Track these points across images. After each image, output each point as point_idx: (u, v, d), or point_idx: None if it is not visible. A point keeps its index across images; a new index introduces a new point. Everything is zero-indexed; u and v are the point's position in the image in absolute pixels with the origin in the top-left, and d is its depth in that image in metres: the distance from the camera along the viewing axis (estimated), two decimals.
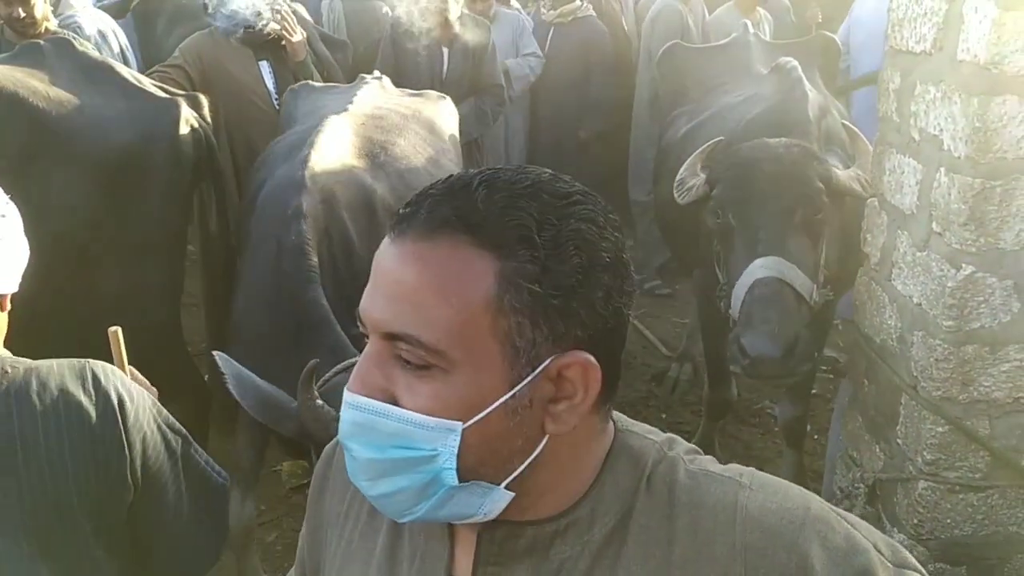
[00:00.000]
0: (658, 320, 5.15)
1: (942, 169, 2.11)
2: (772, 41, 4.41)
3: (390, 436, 0.82)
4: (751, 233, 2.61)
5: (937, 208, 2.13)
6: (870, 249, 2.50)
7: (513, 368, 0.82)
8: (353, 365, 0.95)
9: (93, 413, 1.37)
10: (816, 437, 3.91)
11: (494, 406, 0.82)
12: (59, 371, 1.40)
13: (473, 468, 0.83)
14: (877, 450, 2.48)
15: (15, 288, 1.49)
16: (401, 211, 0.85)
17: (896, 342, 2.35)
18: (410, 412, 0.82)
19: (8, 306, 1.49)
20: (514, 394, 0.82)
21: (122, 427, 1.39)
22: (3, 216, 1.50)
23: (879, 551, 0.88)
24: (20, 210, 1.83)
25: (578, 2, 5.44)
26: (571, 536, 0.89)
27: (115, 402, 1.39)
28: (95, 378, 1.41)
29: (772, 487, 0.90)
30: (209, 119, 3.19)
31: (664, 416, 4.28)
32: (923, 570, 0.91)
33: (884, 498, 2.44)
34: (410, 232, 0.82)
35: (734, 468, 0.93)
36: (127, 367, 1.79)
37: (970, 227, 2.04)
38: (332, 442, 1.09)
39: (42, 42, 3.04)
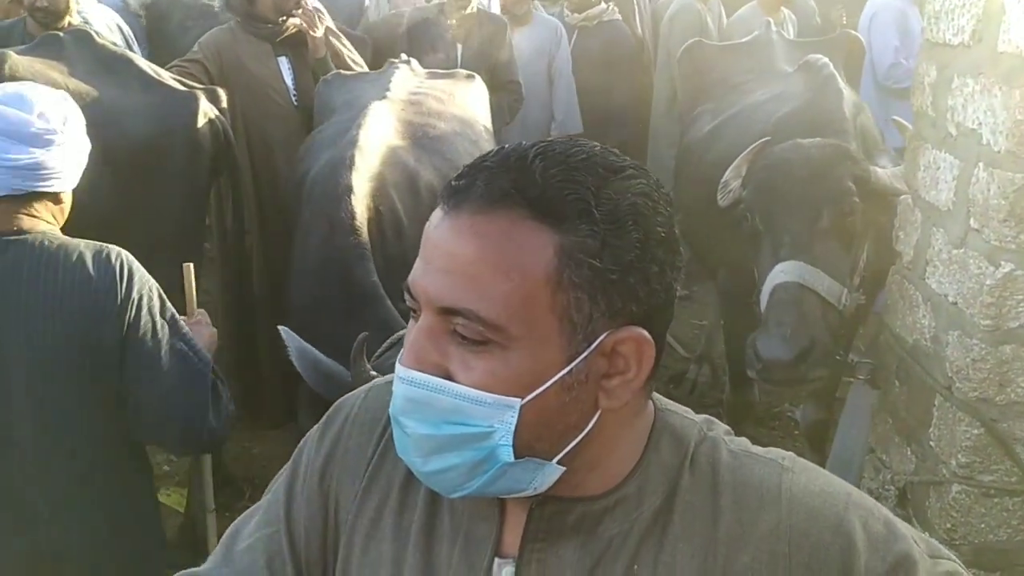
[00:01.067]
0: (676, 321, 5.02)
1: (981, 164, 2.06)
2: (795, 39, 4.36)
3: (446, 412, 0.82)
4: (776, 237, 2.57)
5: (975, 204, 2.08)
6: (903, 247, 2.45)
7: (570, 343, 0.82)
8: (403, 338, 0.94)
9: (98, 270, 1.79)
10: None
11: (551, 382, 0.81)
12: (86, 245, 1.84)
13: (528, 444, 0.83)
14: (908, 452, 2.43)
15: (75, 184, 1.91)
16: (454, 183, 0.83)
17: (930, 342, 2.29)
18: (468, 388, 0.81)
19: (70, 200, 1.93)
20: (571, 370, 0.82)
21: (121, 286, 1.80)
22: (66, 120, 1.83)
23: (915, 542, 0.90)
24: None
25: (603, 5, 5.32)
26: (619, 513, 0.89)
27: (118, 268, 1.81)
28: (109, 252, 1.83)
29: (814, 471, 0.92)
30: (228, 113, 3.16)
31: None
32: (956, 559, 0.93)
33: (916, 502, 2.39)
34: (466, 205, 0.81)
35: (775, 451, 0.94)
36: (195, 305, 2.31)
37: (1010, 223, 1.99)
38: (335, 421, 1.05)
39: (62, 34, 3.03)
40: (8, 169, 1.74)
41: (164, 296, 1.91)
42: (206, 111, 2.98)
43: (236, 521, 1.09)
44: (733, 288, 3.49)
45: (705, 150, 3.67)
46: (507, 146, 0.85)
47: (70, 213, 1.99)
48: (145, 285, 1.86)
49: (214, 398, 1.94)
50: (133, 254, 2.92)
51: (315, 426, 1.08)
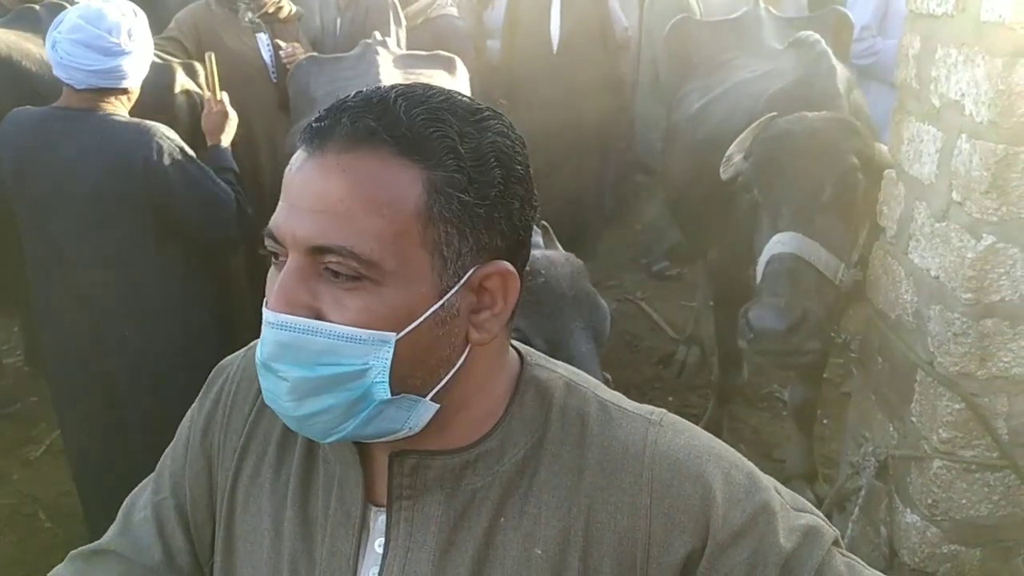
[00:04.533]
0: (665, 302, 5.08)
1: (963, 136, 2.03)
2: (783, 16, 4.32)
3: (319, 353, 0.81)
4: (775, 209, 2.55)
5: (957, 176, 2.05)
6: (886, 222, 2.43)
7: (441, 278, 0.83)
8: None
9: (141, 132, 2.45)
10: (826, 422, 3.85)
11: (425, 316, 0.83)
12: (134, 120, 2.49)
13: (403, 380, 0.83)
14: (891, 429, 2.41)
15: (140, 80, 2.52)
16: (315, 124, 0.83)
17: (912, 317, 2.28)
18: (342, 326, 0.81)
19: (137, 91, 2.54)
20: (443, 303, 0.84)
21: (154, 142, 2.44)
22: (131, 33, 2.40)
23: (779, 494, 0.93)
24: None
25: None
26: (482, 467, 0.91)
27: (153, 130, 2.47)
28: (147, 123, 2.48)
29: (681, 425, 0.95)
30: (206, 87, 3.12)
31: (671, 399, 4.22)
32: (820, 513, 0.95)
33: (897, 477, 2.38)
34: (331, 144, 0.81)
35: (646, 407, 0.97)
36: (218, 90, 2.78)
37: (991, 195, 1.97)
38: (217, 380, 1.07)
39: (38, 7, 3.00)
40: (86, 72, 2.38)
41: (185, 147, 2.53)
42: (182, 83, 2.95)
43: (133, 492, 1.10)
44: (723, 268, 3.47)
45: (694, 129, 3.64)
46: (365, 89, 0.86)
47: None
48: (172, 143, 2.49)
49: (238, 205, 2.60)
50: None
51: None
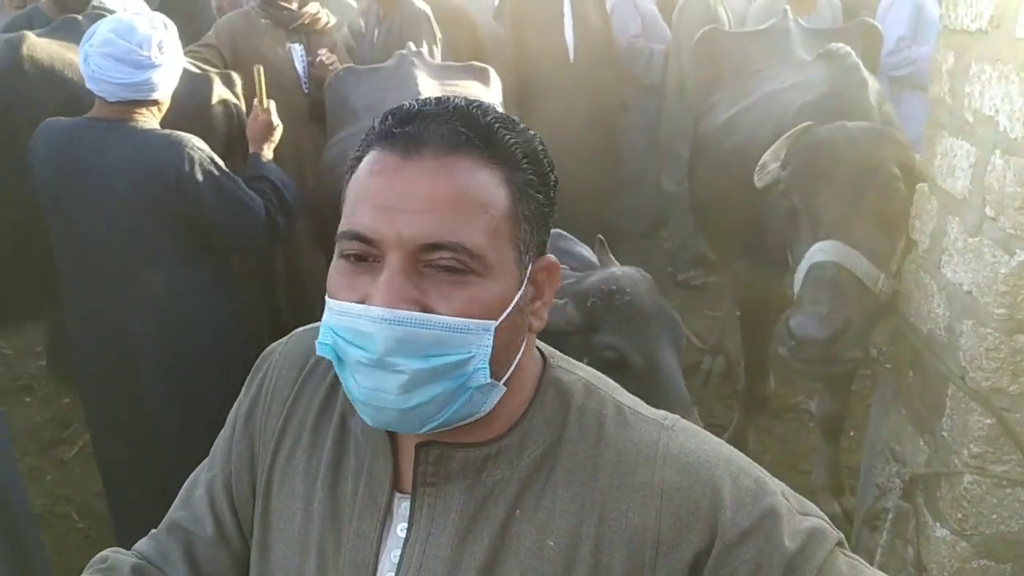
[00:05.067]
0: (691, 312, 5.08)
1: (997, 151, 2.03)
2: (812, 27, 4.32)
3: (429, 345, 0.86)
4: (815, 216, 2.55)
5: (991, 192, 2.05)
6: (919, 236, 2.42)
7: (519, 270, 0.92)
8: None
9: (172, 143, 2.48)
10: (852, 434, 3.84)
11: (513, 304, 0.91)
12: (165, 131, 2.54)
13: (496, 366, 0.90)
14: (921, 443, 2.41)
15: (170, 92, 2.56)
16: (399, 130, 0.89)
17: (944, 331, 2.27)
18: (451, 317, 0.87)
19: (167, 102, 2.57)
20: (521, 293, 0.92)
21: (185, 152, 2.47)
22: (161, 46, 2.44)
23: (786, 498, 0.96)
24: None
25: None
26: (502, 460, 0.96)
27: (184, 142, 2.49)
28: (179, 135, 2.51)
29: (692, 431, 0.99)
30: (242, 97, 3.17)
31: (696, 409, 4.20)
32: (826, 517, 0.98)
33: (927, 492, 2.37)
34: (427, 150, 0.88)
35: (660, 412, 1.01)
36: (265, 100, 2.85)
37: None
38: (262, 366, 1.13)
39: (80, 16, 3.05)
40: (117, 85, 2.42)
41: (216, 157, 2.57)
42: (220, 94, 2.99)
43: (197, 468, 1.18)
44: (751, 278, 3.47)
45: (722, 140, 3.64)
46: (430, 97, 0.94)
47: None
48: (203, 153, 2.53)
49: (268, 214, 2.65)
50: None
51: None
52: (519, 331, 0.94)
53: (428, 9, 4.56)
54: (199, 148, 2.53)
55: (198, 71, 3.05)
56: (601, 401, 1.00)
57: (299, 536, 1.02)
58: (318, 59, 3.74)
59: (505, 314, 0.90)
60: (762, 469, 0.99)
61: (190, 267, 2.63)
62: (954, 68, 2.23)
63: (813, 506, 0.99)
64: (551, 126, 4.35)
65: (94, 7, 3.44)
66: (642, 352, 2.19)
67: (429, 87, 3.33)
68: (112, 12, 3.37)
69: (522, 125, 0.95)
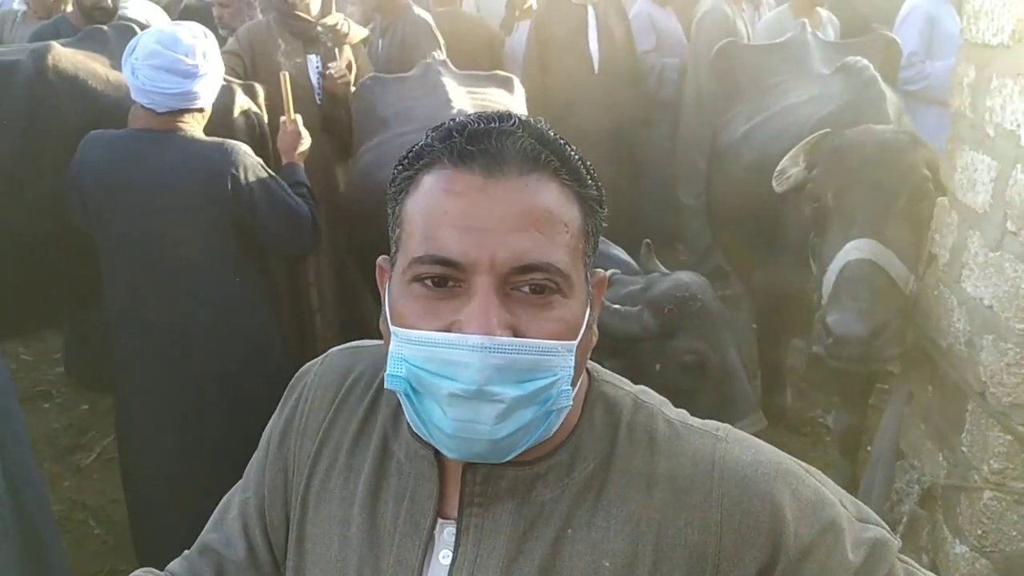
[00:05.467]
0: None
1: (1019, 165, 2.02)
2: (831, 40, 4.32)
3: (525, 371, 0.83)
4: (848, 216, 2.54)
5: (1012, 206, 2.04)
6: (939, 250, 2.41)
7: (587, 287, 0.91)
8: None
9: (221, 151, 2.55)
10: (869, 448, 3.81)
11: (586, 321, 0.90)
12: (212, 139, 2.62)
13: (573, 384, 0.88)
14: (940, 458, 2.39)
15: (212, 100, 2.62)
16: (472, 148, 0.85)
17: (964, 346, 2.26)
18: (544, 340, 0.84)
19: (209, 111, 2.63)
20: (590, 310, 0.91)
21: (233, 158, 2.53)
22: (205, 55, 2.50)
23: (844, 506, 0.94)
24: None
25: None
26: (552, 479, 0.93)
27: (231, 150, 2.55)
28: (227, 142, 2.59)
29: (747, 441, 0.96)
30: (264, 108, 3.20)
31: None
32: (884, 524, 0.96)
33: (946, 508, 2.35)
34: (508, 168, 0.85)
35: (711, 423, 0.98)
36: (292, 111, 2.94)
37: None
38: (296, 387, 1.10)
39: (106, 27, 3.09)
40: (167, 95, 2.48)
41: (264, 164, 2.65)
42: (242, 105, 3.02)
43: (232, 490, 1.15)
44: (769, 289, 3.46)
45: (740, 153, 3.64)
46: (490, 112, 0.90)
47: None
48: (254, 160, 2.60)
49: (312, 219, 2.72)
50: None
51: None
52: (588, 348, 0.92)
53: (430, 17, 4.62)
54: (250, 155, 2.60)
55: (222, 82, 3.08)
56: (651, 415, 0.97)
57: (336, 563, 0.98)
58: (328, 71, 3.75)
59: (582, 332, 0.88)
60: (817, 474, 0.97)
61: (239, 275, 2.68)
62: (975, 82, 2.23)
63: (871, 511, 0.98)
64: (576, 137, 4.39)
65: (120, 18, 3.49)
66: (717, 354, 2.25)
67: (458, 95, 3.36)
68: (136, 22, 3.42)
69: (566, 140, 0.93)
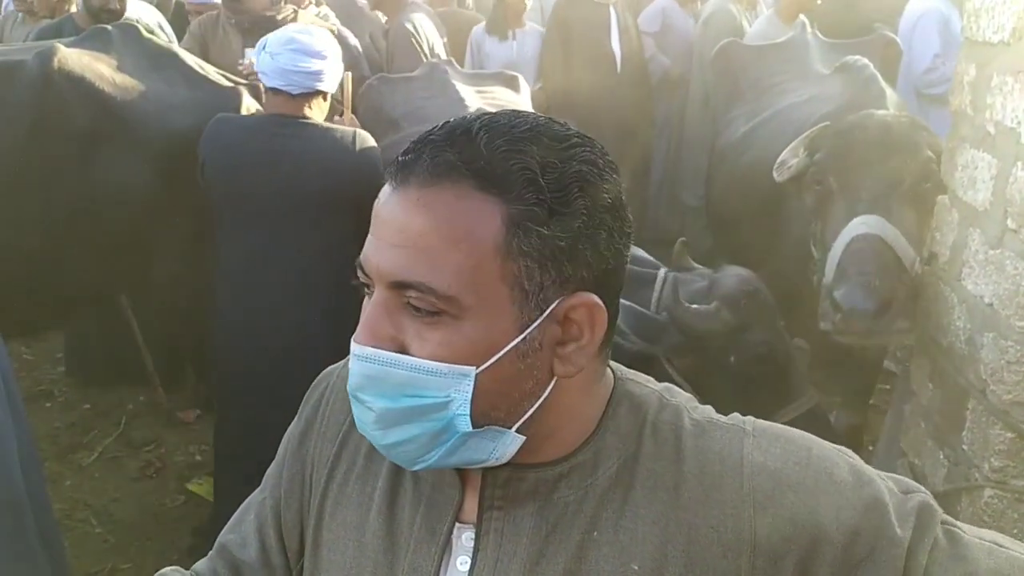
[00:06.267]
0: None
1: (1019, 163, 2.03)
2: (830, 40, 4.34)
3: (401, 385, 0.83)
4: (853, 194, 2.54)
5: (1013, 204, 2.05)
6: (939, 248, 2.42)
7: (523, 311, 0.83)
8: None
9: (344, 141, 2.74)
10: (871, 448, 3.82)
11: (506, 350, 0.83)
12: (339, 128, 2.82)
13: (486, 413, 0.84)
14: (941, 456, 2.40)
15: (334, 88, 2.86)
16: (401, 158, 0.84)
17: (964, 344, 2.27)
18: (422, 360, 0.82)
19: (328, 102, 2.86)
20: (524, 337, 0.83)
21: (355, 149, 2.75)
22: (330, 44, 2.79)
23: (882, 479, 0.91)
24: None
25: (312, 8, 4.85)
26: (575, 479, 0.91)
27: (355, 140, 2.77)
28: (355, 131, 2.80)
29: (774, 432, 0.94)
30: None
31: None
32: (925, 490, 0.93)
33: (947, 507, 2.36)
34: (413, 179, 0.82)
35: (736, 416, 0.96)
36: (349, 112, 3.16)
37: None
38: (318, 388, 1.10)
39: (110, 27, 3.09)
40: (303, 73, 2.71)
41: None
42: (248, 105, 3.03)
43: (254, 492, 1.15)
44: (769, 287, 3.47)
45: (740, 154, 3.66)
46: (453, 120, 0.86)
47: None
48: (376, 151, 2.81)
49: None
50: (176, 242, 3.02)
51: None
52: (524, 377, 0.85)
53: (434, 17, 4.66)
54: (375, 147, 2.84)
55: (227, 84, 3.09)
56: (676, 413, 0.94)
57: (350, 569, 0.97)
58: (240, 65, 3.74)
59: (492, 360, 0.82)
60: (850, 452, 0.94)
61: (347, 258, 2.73)
62: (976, 80, 2.24)
63: (909, 480, 0.95)
64: (598, 136, 4.40)
65: (126, 19, 3.50)
66: (780, 341, 2.38)
67: (467, 94, 3.41)
68: (140, 23, 3.43)
69: (567, 144, 0.85)
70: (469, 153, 0.81)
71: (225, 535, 1.12)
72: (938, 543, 0.88)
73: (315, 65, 2.74)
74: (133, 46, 3.03)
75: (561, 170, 0.82)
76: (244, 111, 2.99)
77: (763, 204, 3.14)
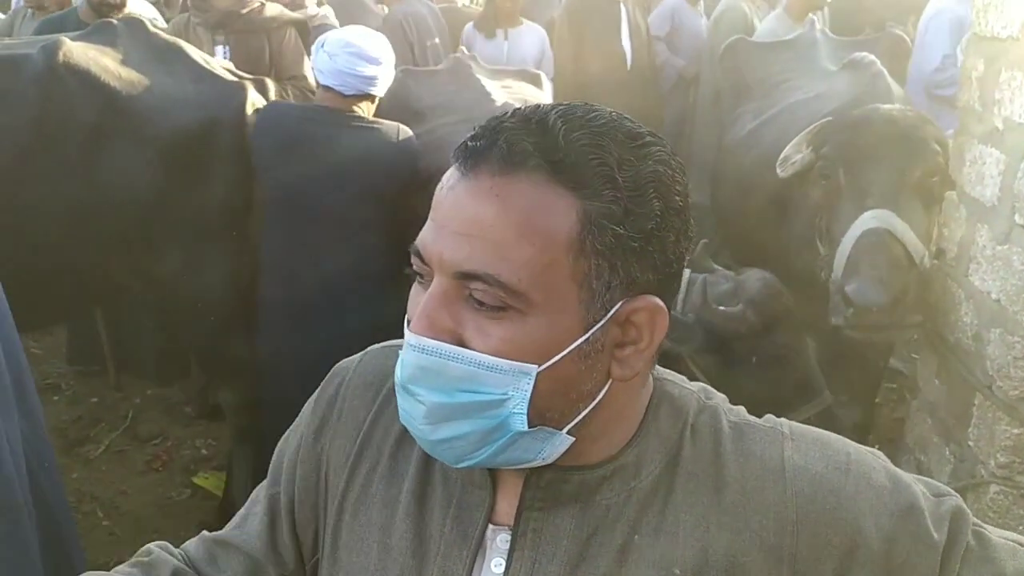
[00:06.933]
0: None
1: None
2: (839, 38, 4.32)
3: (458, 380, 0.80)
4: (862, 189, 2.55)
5: (1021, 200, 2.05)
6: (947, 244, 2.42)
7: (588, 311, 0.80)
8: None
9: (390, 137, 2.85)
10: (876, 447, 3.80)
11: (569, 349, 0.80)
12: (384, 123, 2.91)
13: (541, 413, 0.81)
14: (947, 453, 2.39)
15: (384, 91, 2.96)
16: (471, 143, 0.80)
17: (971, 340, 2.26)
18: (484, 355, 0.79)
19: (376, 103, 2.96)
20: (588, 338, 0.80)
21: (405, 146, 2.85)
22: (384, 49, 2.88)
23: (917, 484, 0.91)
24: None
25: (316, 9, 4.77)
26: (617, 482, 0.89)
27: (403, 129, 2.88)
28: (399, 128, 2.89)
29: (812, 436, 0.93)
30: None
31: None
32: (956, 494, 0.93)
33: None
34: (485, 166, 0.79)
35: (771, 419, 0.95)
36: None
37: None
38: (332, 383, 1.06)
39: (116, 22, 3.09)
40: (358, 77, 2.81)
41: None
42: (254, 101, 3.03)
43: (260, 486, 1.11)
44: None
45: (746, 151, 3.64)
46: (523, 107, 0.83)
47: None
48: (415, 144, 2.88)
49: None
50: (178, 239, 3.02)
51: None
52: (583, 378, 0.82)
53: (435, 9, 4.68)
54: (415, 141, 2.93)
55: (232, 78, 3.09)
56: (715, 415, 0.93)
57: (374, 571, 0.94)
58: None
59: (555, 359, 0.80)
60: (882, 456, 0.94)
61: (387, 256, 2.86)
62: (984, 75, 2.23)
63: (940, 484, 0.95)
64: None
65: (128, 13, 3.51)
66: (800, 343, 2.44)
67: (492, 88, 3.45)
68: (145, 17, 3.44)
69: (642, 143, 0.82)
70: (547, 143, 0.78)
71: (231, 530, 1.08)
72: (969, 546, 0.88)
73: (370, 70, 2.84)
74: (139, 40, 3.01)
75: (637, 168, 0.80)
76: (249, 106, 2.98)
77: (769, 200, 3.13)
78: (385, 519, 0.95)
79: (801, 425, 0.95)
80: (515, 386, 0.79)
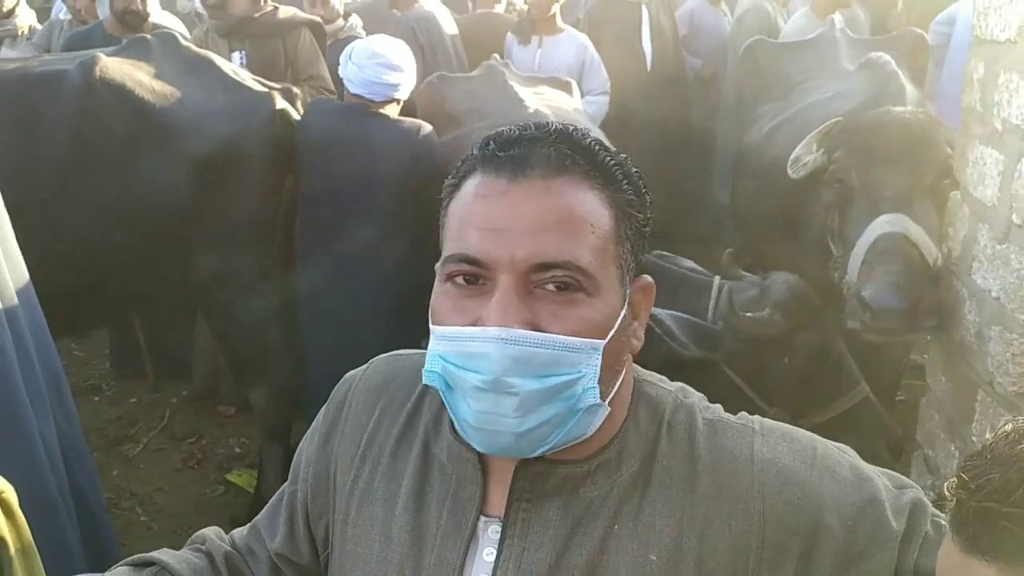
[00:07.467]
0: None
1: None
2: (860, 37, 4.33)
3: (545, 364, 0.87)
4: (876, 192, 2.58)
5: (1018, 199, 2.08)
6: (951, 243, 2.45)
7: (622, 289, 0.93)
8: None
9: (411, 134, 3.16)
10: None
11: (618, 322, 0.92)
12: (407, 119, 3.27)
13: (602, 386, 0.90)
14: (952, 448, 2.43)
15: (407, 96, 3.32)
16: (503, 154, 0.91)
17: (974, 337, 2.29)
18: (564, 336, 0.87)
19: (400, 106, 3.31)
20: (625, 313, 0.93)
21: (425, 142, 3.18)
22: (407, 57, 3.22)
23: (879, 477, 0.99)
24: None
25: (341, 21, 4.83)
26: (600, 477, 0.96)
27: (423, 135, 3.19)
28: (420, 125, 3.21)
29: (782, 431, 1.01)
30: (302, 111, 3.32)
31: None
32: (917, 486, 1.01)
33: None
34: (533, 172, 0.89)
35: (744, 416, 1.03)
36: None
37: None
38: (340, 391, 1.14)
39: (149, 36, 3.21)
40: (385, 85, 3.14)
41: None
42: (281, 108, 3.13)
43: (287, 482, 1.21)
44: None
45: (764, 151, 3.67)
46: (533, 122, 0.95)
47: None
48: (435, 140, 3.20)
49: None
50: (211, 246, 3.13)
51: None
52: (622, 351, 0.94)
53: (446, 12, 4.86)
54: (435, 138, 3.24)
55: (261, 89, 3.19)
56: (690, 413, 1.00)
57: (377, 563, 1.01)
58: None
59: (612, 333, 0.90)
60: (849, 451, 1.01)
61: (407, 249, 3.07)
62: (984, 77, 2.26)
63: (902, 476, 1.02)
64: (627, 134, 4.47)
65: (155, 27, 3.63)
66: (831, 340, 2.52)
67: (525, 94, 3.56)
68: (172, 29, 3.56)
69: (614, 149, 0.97)
70: (579, 149, 0.92)
71: (260, 519, 1.21)
72: (927, 535, 0.95)
73: (395, 78, 3.14)
74: (171, 54, 3.13)
75: (629, 167, 0.96)
76: (276, 116, 3.10)
77: (786, 202, 3.17)
78: (386, 514, 1.02)
79: (772, 421, 1.02)
80: (587, 363, 0.88)
